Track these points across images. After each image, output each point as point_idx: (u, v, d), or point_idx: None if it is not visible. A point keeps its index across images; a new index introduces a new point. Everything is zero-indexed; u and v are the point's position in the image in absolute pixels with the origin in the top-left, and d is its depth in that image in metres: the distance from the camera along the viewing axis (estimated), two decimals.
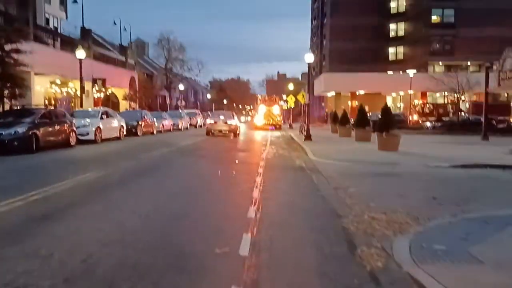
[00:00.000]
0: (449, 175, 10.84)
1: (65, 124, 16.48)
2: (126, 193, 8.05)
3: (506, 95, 41.44)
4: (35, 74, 27.11)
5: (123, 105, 41.40)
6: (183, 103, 53.80)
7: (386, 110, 16.38)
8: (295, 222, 6.06)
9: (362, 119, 20.88)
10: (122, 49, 44.85)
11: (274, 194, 7.96)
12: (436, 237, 5.44)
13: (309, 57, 22.22)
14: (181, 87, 53.68)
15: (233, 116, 28.10)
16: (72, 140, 16.78)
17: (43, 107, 16.85)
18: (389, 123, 15.76)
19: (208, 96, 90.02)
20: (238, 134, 26.65)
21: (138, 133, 24.92)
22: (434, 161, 13.18)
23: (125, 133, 22.61)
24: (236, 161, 13.73)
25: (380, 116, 16.41)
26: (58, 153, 14.81)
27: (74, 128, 17.12)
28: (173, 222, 5.88)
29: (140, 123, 25.42)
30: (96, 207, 6.72)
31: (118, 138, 21.37)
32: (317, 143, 19.64)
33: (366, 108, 23.65)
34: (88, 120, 19.19)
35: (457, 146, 19.35)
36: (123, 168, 11.37)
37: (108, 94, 37.67)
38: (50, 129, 15.39)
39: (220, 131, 25.77)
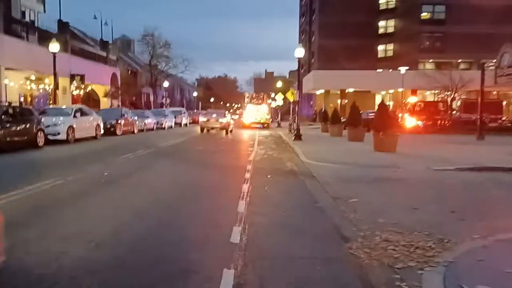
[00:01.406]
0: (459, 181, 9.67)
1: (32, 123, 14.91)
2: (81, 209, 6.64)
3: (495, 93, 40.80)
4: (6, 68, 25.36)
5: (104, 102, 39.64)
6: (168, 100, 52.11)
7: (383, 107, 15.19)
8: (291, 249, 4.76)
9: (355, 118, 19.69)
10: (103, 44, 42.96)
11: (264, 208, 6.65)
12: (474, 270, 4.21)
13: (299, 52, 20.94)
14: (166, 84, 51.93)
15: (225, 114, 29.98)
16: (40, 141, 15.23)
17: (5, 103, 15.14)
18: (387, 121, 14.57)
19: (195, 94, 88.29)
20: (231, 131, 28.09)
21: (117, 132, 23.40)
22: (437, 164, 12.05)
23: (102, 132, 21.07)
24: (221, 165, 12.40)
25: (376, 114, 15.22)
26: (20, 155, 13.27)
27: (43, 127, 15.57)
28: (131, 254, 4.50)
29: (119, 122, 23.87)
30: (33, 230, 5.27)
31: (94, 138, 19.84)
32: (308, 143, 18.42)
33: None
34: (60, 118, 17.64)
35: (454, 146, 18.33)
36: (89, 174, 9.92)
37: (88, 91, 35.95)
38: (13, 128, 13.82)
39: (213, 128, 27.52)
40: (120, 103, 41.10)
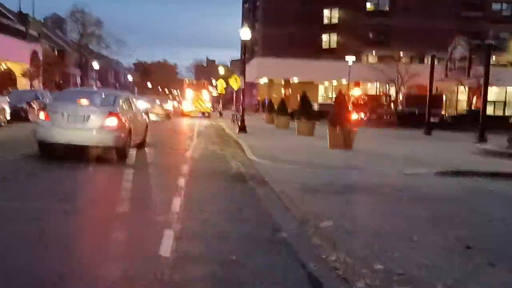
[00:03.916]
0: (443, 190, 8.04)
1: None
2: None
3: (435, 88, 41.27)
4: None
5: (23, 83, 34.87)
6: (99, 84, 47.61)
7: (341, 99, 13.37)
8: None
9: (305, 109, 17.83)
10: (22, 18, 37.75)
11: (201, 245, 4.38)
12: None
13: (245, 33, 18.68)
14: (96, 65, 47.23)
15: (167, 101, 35.62)
16: None
17: None
18: (345, 115, 12.79)
19: (131, 78, 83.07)
20: (171, 117, 30.32)
21: (30, 118, 19.79)
22: (403, 164, 10.53)
23: (9, 118, 17.57)
24: (148, 164, 9.93)
25: (333, 106, 13.42)
26: None
27: None
28: None
29: (33, 106, 20.26)
30: None
31: None
32: (254, 137, 16.30)
33: (298, 98, 20.82)
34: None
35: (407, 142, 17.19)
36: None
37: (3, 69, 31.33)
38: None
39: (157, 114, 27.97)
40: (41, 84, 36.50)
